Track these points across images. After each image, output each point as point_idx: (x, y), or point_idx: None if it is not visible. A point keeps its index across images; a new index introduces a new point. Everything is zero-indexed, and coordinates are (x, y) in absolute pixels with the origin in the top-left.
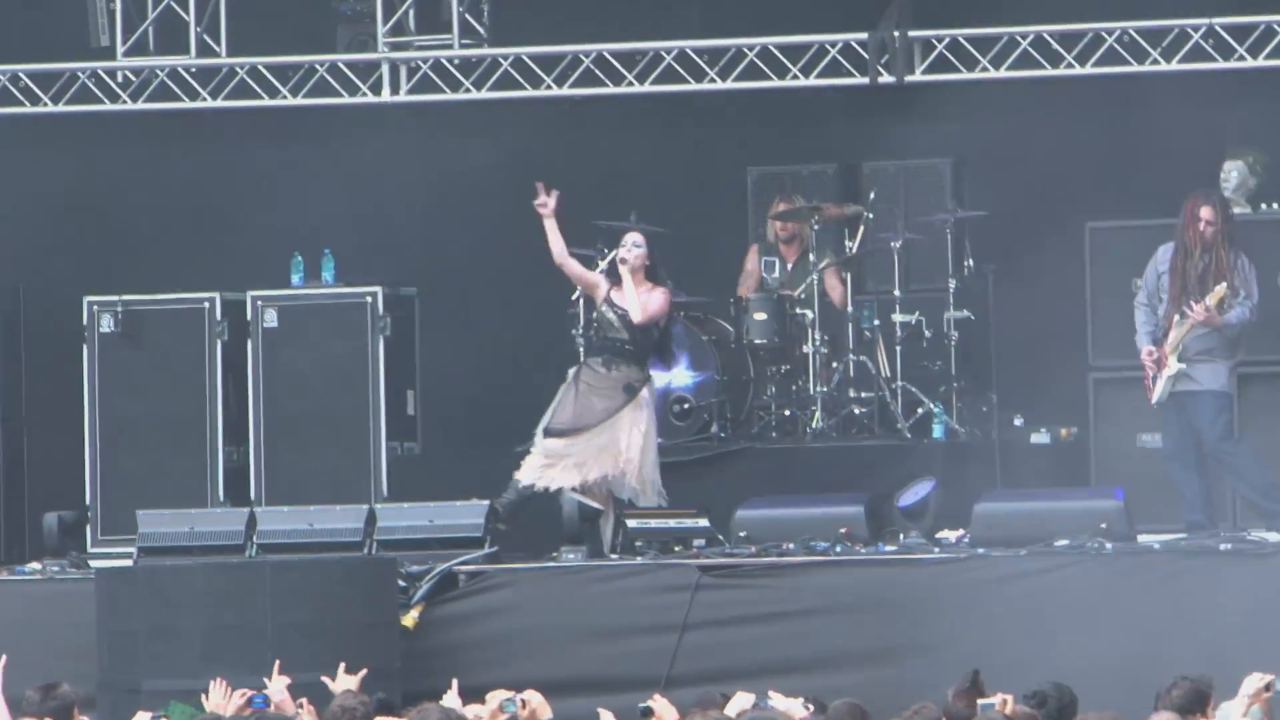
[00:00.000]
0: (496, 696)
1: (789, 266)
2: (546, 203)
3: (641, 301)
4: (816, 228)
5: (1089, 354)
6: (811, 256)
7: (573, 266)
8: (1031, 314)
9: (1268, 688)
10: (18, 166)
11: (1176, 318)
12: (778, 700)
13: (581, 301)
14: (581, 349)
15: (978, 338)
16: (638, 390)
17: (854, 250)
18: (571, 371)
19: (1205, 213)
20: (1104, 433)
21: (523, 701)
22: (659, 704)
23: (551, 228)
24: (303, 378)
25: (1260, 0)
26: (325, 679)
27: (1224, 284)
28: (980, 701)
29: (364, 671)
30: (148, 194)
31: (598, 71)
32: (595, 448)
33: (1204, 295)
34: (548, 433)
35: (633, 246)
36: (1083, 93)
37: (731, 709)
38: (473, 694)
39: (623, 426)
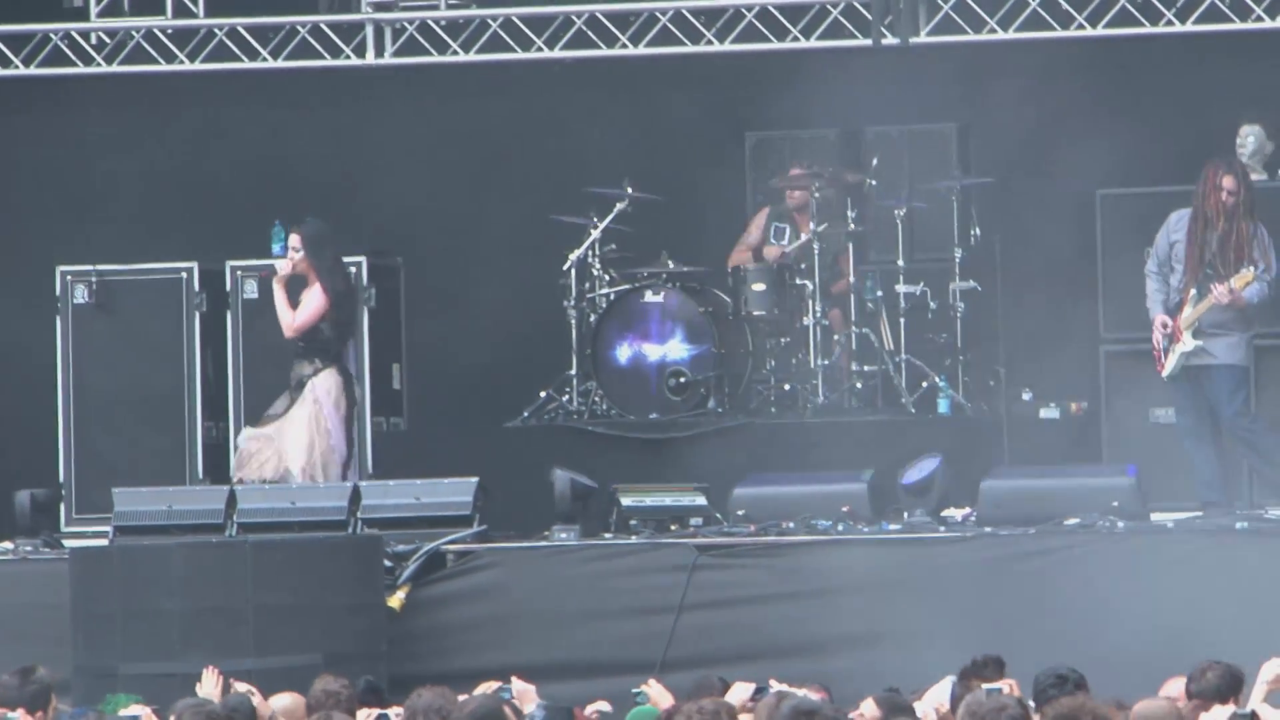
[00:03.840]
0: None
1: (801, 236)
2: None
3: (288, 313)
4: (817, 195)
5: (1100, 326)
6: (812, 225)
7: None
8: (1040, 284)
9: None
10: None
11: (1193, 292)
12: (780, 689)
13: (573, 273)
14: (573, 320)
15: (984, 309)
16: (304, 383)
17: (854, 224)
18: None
19: (1228, 182)
20: (1115, 407)
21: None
22: (653, 689)
23: (280, 298)
24: (284, 351)
25: None
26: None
27: (1251, 268)
28: (986, 686)
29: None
30: (123, 160)
31: (590, 33)
32: (277, 442)
33: (1224, 267)
34: (250, 424)
35: (292, 251)
36: (1094, 55)
37: (731, 699)
38: (461, 678)
39: (291, 420)
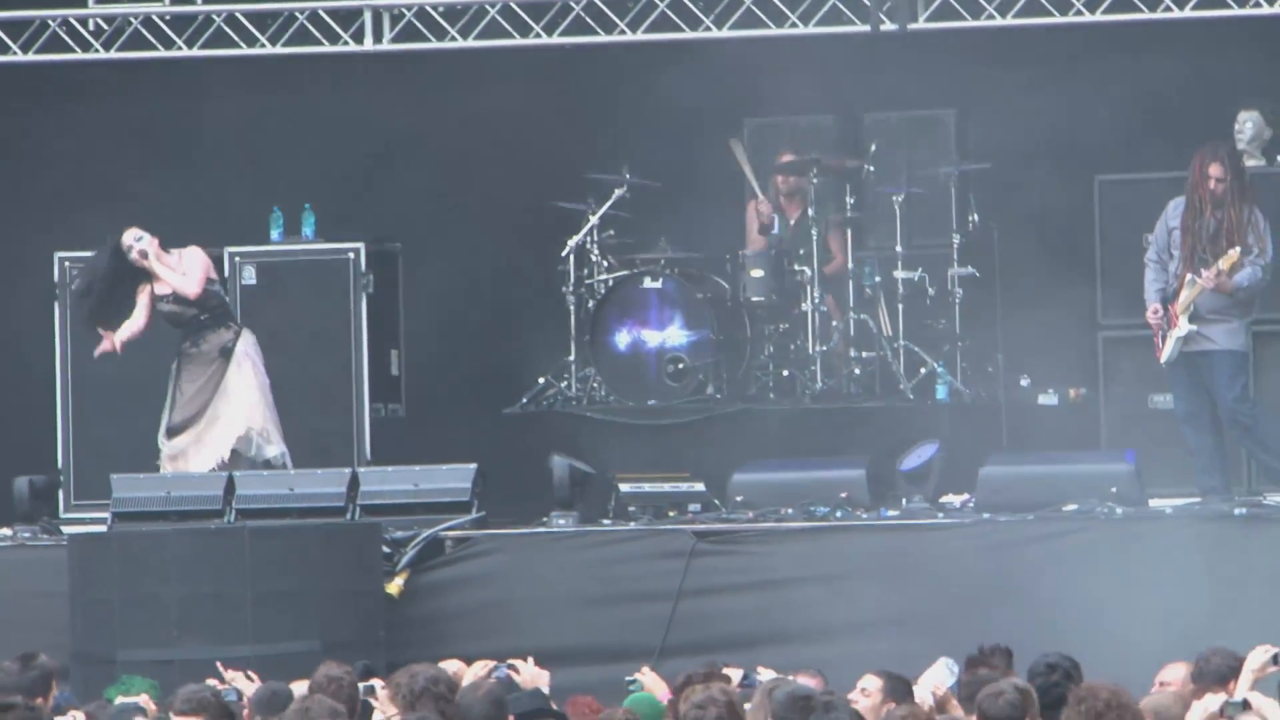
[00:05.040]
0: (484, 666)
1: (791, 223)
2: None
3: (182, 273)
4: (815, 181)
5: (1098, 312)
6: (811, 211)
7: (143, 318)
8: (1038, 270)
9: (1275, 660)
10: None
11: (1189, 278)
12: (766, 675)
13: (571, 259)
14: (572, 306)
15: (983, 295)
16: (232, 349)
17: (852, 210)
18: (174, 366)
19: (1214, 169)
20: (1114, 393)
21: (512, 666)
22: (647, 677)
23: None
24: (283, 337)
25: None
26: None
27: (1237, 249)
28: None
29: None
30: (121, 146)
31: (588, 19)
32: (219, 421)
33: (1216, 255)
34: (170, 432)
35: (134, 243)
36: (1093, 40)
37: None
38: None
39: (232, 389)
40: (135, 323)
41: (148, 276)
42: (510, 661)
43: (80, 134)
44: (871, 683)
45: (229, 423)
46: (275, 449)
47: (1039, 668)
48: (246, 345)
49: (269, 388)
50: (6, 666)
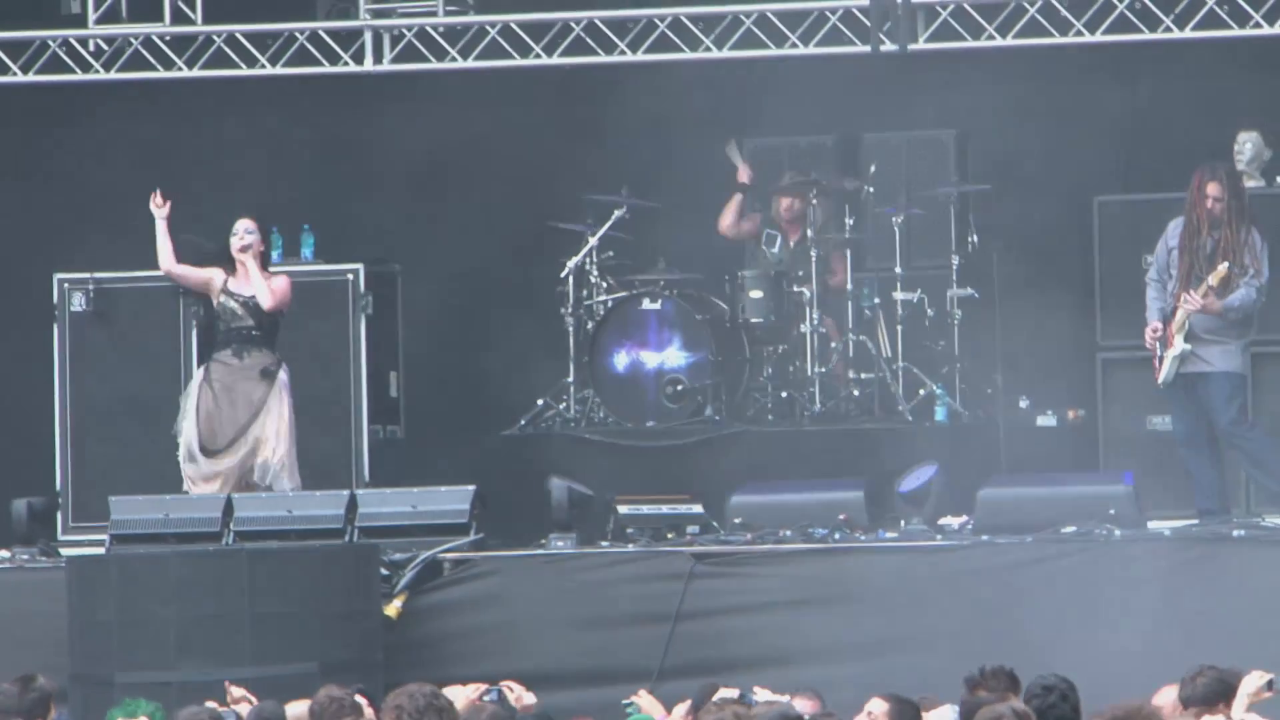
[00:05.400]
0: (475, 689)
1: (790, 244)
2: (162, 206)
3: (270, 287)
4: (815, 202)
5: (1097, 333)
6: (810, 233)
7: (181, 270)
8: (1037, 292)
9: (1269, 686)
10: None
11: (1184, 298)
12: (763, 695)
13: (570, 280)
14: (570, 327)
15: (982, 316)
16: (274, 374)
17: (851, 231)
18: (200, 371)
19: (1212, 189)
20: (1112, 415)
21: (500, 692)
22: (644, 699)
23: (163, 231)
24: (281, 357)
25: None
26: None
27: (1226, 264)
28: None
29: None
30: (120, 167)
31: (588, 40)
32: (252, 444)
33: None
34: (208, 452)
35: (245, 234)
36: (1092, 62)
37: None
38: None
39: (270, 415)
40: (165, 246)
41: (230, 264)
42: (502, 684)
43: (80, 154)
44: (878, 706)
45: (262, 447)
46: (290, 484)
47: (1036, 689)
48: (286, 377)
49: (293, 424)
50: (5, 689)
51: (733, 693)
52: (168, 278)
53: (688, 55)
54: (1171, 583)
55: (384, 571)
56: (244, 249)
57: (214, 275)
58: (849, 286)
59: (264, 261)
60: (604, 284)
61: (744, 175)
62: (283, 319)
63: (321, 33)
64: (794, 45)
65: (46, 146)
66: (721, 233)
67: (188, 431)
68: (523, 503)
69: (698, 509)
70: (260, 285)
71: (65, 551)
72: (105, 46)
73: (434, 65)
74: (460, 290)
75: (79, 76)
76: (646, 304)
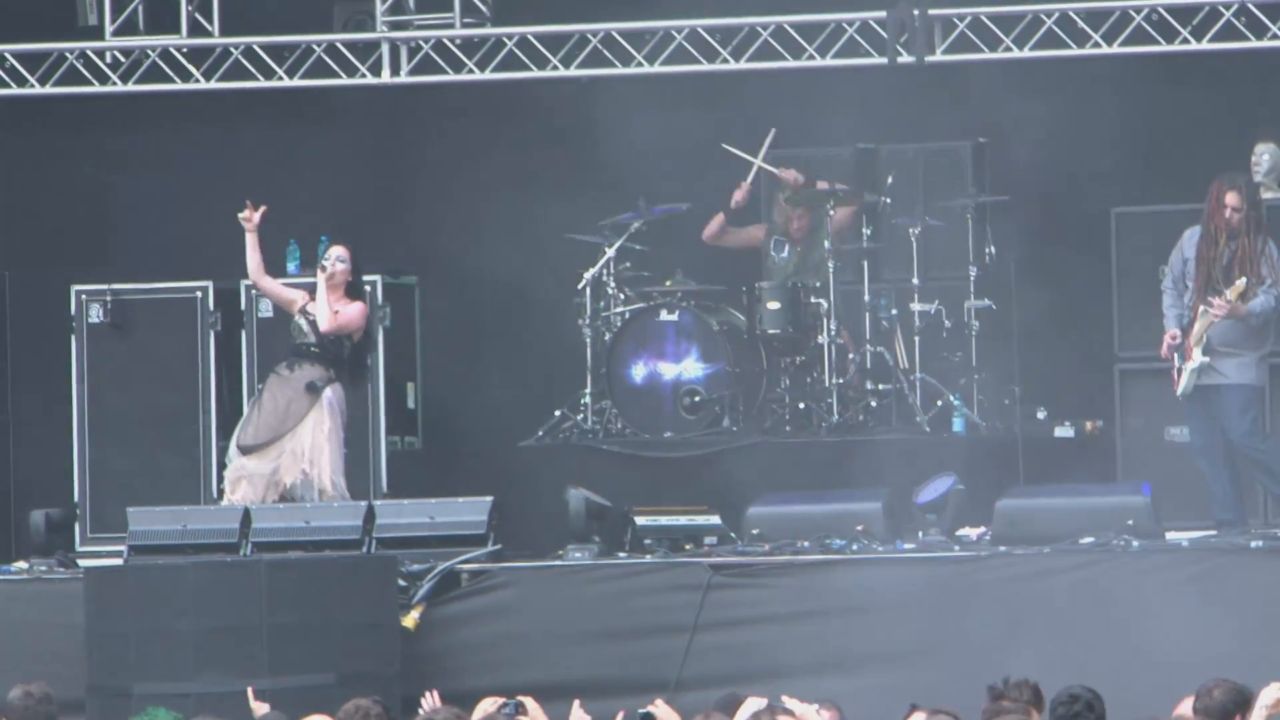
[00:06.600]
0: (491, 703)
1: (798, 249)
2: (251, 218)
3: (332, 311)
4: (833, 213)
5: (1115, 344)
6: (827, 244)
7: (268, 283)
8: (1055, 303)
9: None
10: (2, 150)
11: (1201, 309)
12: (793, 705)
13: (588, 291)
14: (588, 339)
15: (999, 327)
16: (320, 389)
17: (868, 242)
18: (262, 384)
19: (1230, 199)
20: (1130, 426)
21: (520, 705)
22: (660, 709)
23: (253, 243)
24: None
25: None
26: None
27: (1244, 279)
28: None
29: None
30: (138, 178)
31: (606, 52)
32: (288, 454)
33: (1229, 285)
34: (242, 449)
35: (336, 261)
36: (1110, 73)
37: (743, 714)
38: (475, 698)
39: (306, 428)
40: (255, 257)
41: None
42: (519, 699)
43: (97, 166)
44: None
45: (297, 460)
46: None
47: (1063, 697)
48: (334, 395)
49: (344, 442)
50: (13, 698)
51: (761, 702)
52: (255, 288)
53: (705, 67)
54: (1190, 594)
55: (402, 582)
56: (328, 274)
57: (298, 297)
58: (866, 298)
59: (351, 290)
60: (621, 295)
61: (740, 196)
62: (353, 344)
63: (338, 44)
64: (811, 57)
65: (64, 158)
66: (703, 240)
67: (236, 432)
68: (540, 514)
69: (715, 520)
70: (322, 308)
71: (83, 562)
72: (123, 58)
73: (451, 77)
74: (478, 301)
75: (97, 89)
76: (664, 315)
